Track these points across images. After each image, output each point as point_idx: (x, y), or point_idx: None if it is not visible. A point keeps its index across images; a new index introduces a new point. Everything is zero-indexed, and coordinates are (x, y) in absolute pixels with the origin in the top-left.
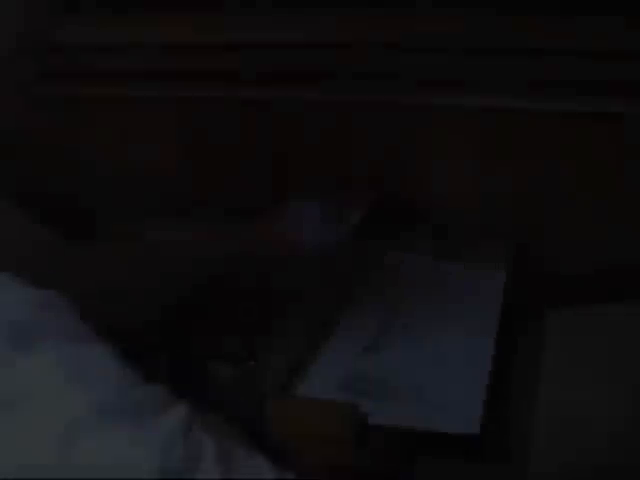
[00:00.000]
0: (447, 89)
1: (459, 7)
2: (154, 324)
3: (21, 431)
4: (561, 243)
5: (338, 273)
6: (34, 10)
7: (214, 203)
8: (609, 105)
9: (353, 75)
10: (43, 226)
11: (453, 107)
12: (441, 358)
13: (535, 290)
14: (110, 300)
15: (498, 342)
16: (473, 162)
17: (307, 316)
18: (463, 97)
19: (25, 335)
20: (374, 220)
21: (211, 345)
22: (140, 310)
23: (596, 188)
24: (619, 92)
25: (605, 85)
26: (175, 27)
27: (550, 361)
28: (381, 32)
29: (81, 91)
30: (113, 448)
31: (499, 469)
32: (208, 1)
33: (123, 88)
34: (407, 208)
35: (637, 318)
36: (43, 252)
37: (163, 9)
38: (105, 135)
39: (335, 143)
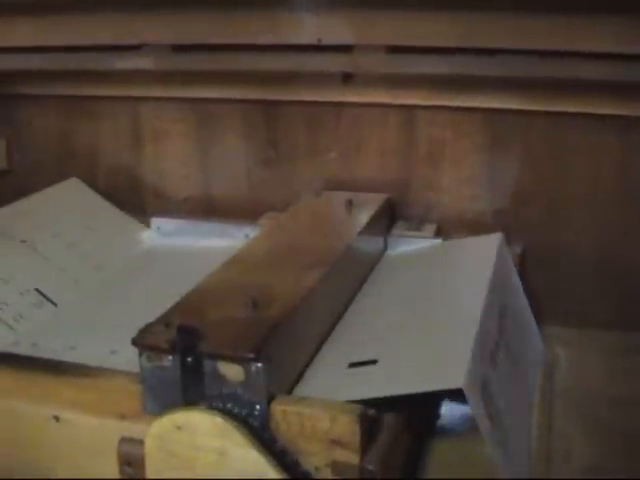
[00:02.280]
0: (451, 89)
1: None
2: None
3: None
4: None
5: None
6: None
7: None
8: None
9: (362, 76)
10: None
11: (460, 108)
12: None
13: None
14: None
15: None
16: (480, 161)
17: (315, 316)
18: (469, 97)
19: None
20: (382, 219)
21: (221, 345)
22: None
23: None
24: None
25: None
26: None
27: None
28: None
29: (93, 91)
30: None
31: None
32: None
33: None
34: (414, 208)
35: None
36: None
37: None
38: (118, 134)
39: (346, 142)
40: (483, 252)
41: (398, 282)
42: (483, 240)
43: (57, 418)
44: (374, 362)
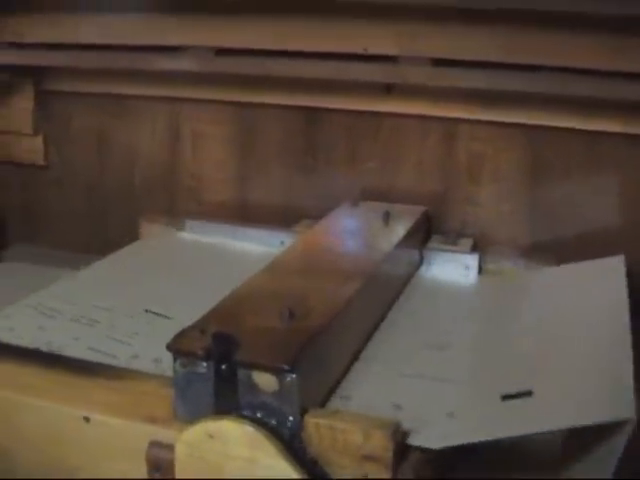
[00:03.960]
0: (493, 103)
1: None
2: None
3: None
4: None
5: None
6: None
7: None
8: None
9: (404, 87)
10: None
11: (501, 123)
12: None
13: None
14: None
15: None
16: (519, 178)
17: (351, 328)
18: (511, 112)
19: None
20: (419, 232)
21: (257, 354)
22: None
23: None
24: None
25: None
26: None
27: None
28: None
29: (134, 90)
30: None
31: None
32: None
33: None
34: (450, 222)
35: None
36: None
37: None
38: (156, 134)
39: (385, 153)
40: (611, 275)
41: (508, 307)
42: (607, 262)
43: (87, 419)
44: (529, 394)
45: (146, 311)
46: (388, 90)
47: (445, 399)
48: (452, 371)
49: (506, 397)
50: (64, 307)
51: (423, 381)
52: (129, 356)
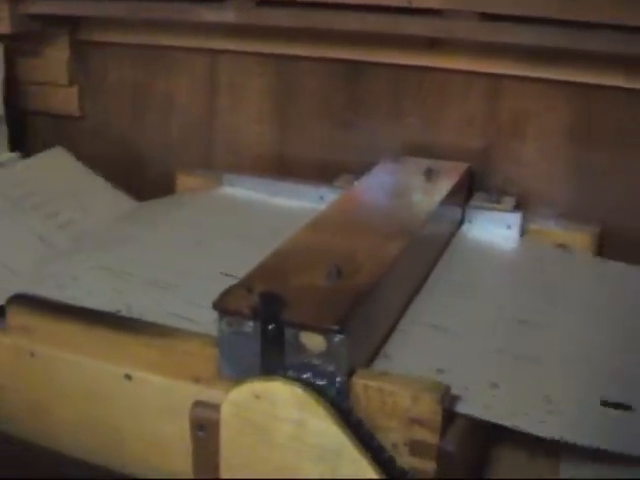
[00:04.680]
0: (540, 60)
1: None
2: None
3: None
4: None
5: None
6: None
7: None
8: None
9: (449, 42)
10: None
11: (548, 80)
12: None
13: None
14: None
15: None
16: (564, 136)
17: (398, 287)
18: (558, 70)
19: None
20: (462, 189)
21: (304, 314)
22: None
23: None
24: None
25: None
26: None
27: None
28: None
29: (171, 41)
30: None
31: None
32: None
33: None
34: (493, 180)
35: None
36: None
37: None
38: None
39: (428, 108)
40: None
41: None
42: None
43: (129, 377)
44: (628, 408)
45: (224, 274)
46: (432, 44)
47: (488, 367)
48: (496, 337)
49: (606, 404)
50: (135, 270)
51: (468, 346)
52: (212, 321)
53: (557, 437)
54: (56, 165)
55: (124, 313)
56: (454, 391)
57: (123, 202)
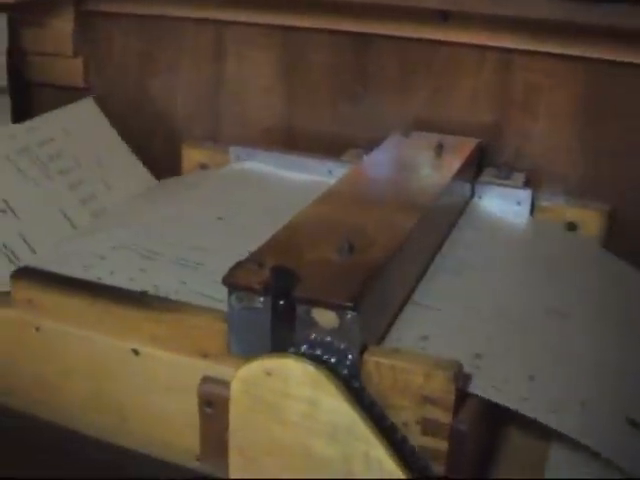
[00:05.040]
0: (552, 34)
1: None
2: None
3: None
4: None
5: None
6: None
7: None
8: None
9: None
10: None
11: (561, 55)
12: None
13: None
14: None
15: None
16: (576, 113)
17: (410, 263)
18: (571, 45)
19: None
20: (472, 165)
21: (316, 290)
22: None
23: None
24: None
25: None
26: None
27: None
28: None
29: (176, 12)
30: None
31: None
32: None
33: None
34: (503, 155)
35: None
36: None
37: None
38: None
39: (438, 82)
40: None
41: None
42: None
43: (136, 352)
44: None
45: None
46: (444, 17)
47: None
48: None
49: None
50: (160, 248)
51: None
52: None
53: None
54: (85, 123)
55: (151, 293)
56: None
57: (143, 177)
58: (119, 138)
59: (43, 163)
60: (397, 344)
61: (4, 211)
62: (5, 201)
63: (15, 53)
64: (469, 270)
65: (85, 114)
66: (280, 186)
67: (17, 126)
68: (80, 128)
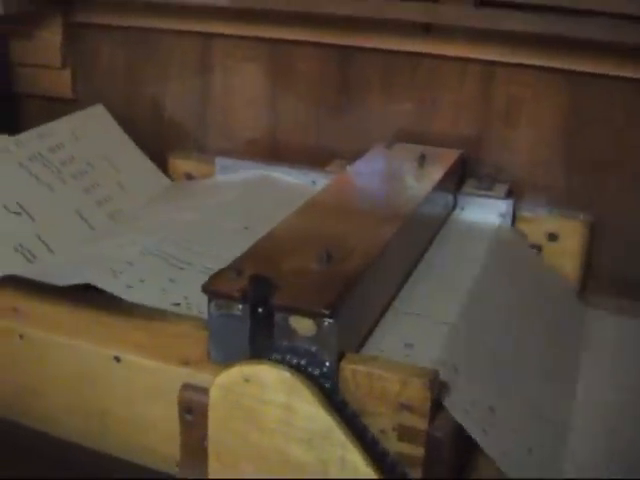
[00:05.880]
0: (534, 47)
1: None
2: None
3: None
4: None
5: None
6: None
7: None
8: None
9: (442, 28)
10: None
11: (542, 67)
12: None
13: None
14: None
15: None
16: (558, 124)
17: (389, 273)
18: (552, 57)
19: None
20: (455, 176)
21: (294, 298)
22: None
23: None
24: None
25: None
26: None
27: None
28: None
29: (164, 24)
30: None
31: None
32: None
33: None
34: (485, 167)
35: None
36: None
37: None
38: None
39: (421, 94)
40: None
41: None
42: None
43: (118, 359)
44: None
45: None
46: (427, 30)
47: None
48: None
49: None
50: (187, 257)
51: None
52: None
53: None
54: (95, 128)
55: (183, 306)
56: None
57: (158, 178)
58: (131, 141)
59: (56, 168)
60: (378, 352)
61: (19, 213)
62: (19, 204)
63: (3, 64)
64: (449, 278)
65: (95, 119)
66: (256, 192)
67: (25, 134)
68: (90, 133)
